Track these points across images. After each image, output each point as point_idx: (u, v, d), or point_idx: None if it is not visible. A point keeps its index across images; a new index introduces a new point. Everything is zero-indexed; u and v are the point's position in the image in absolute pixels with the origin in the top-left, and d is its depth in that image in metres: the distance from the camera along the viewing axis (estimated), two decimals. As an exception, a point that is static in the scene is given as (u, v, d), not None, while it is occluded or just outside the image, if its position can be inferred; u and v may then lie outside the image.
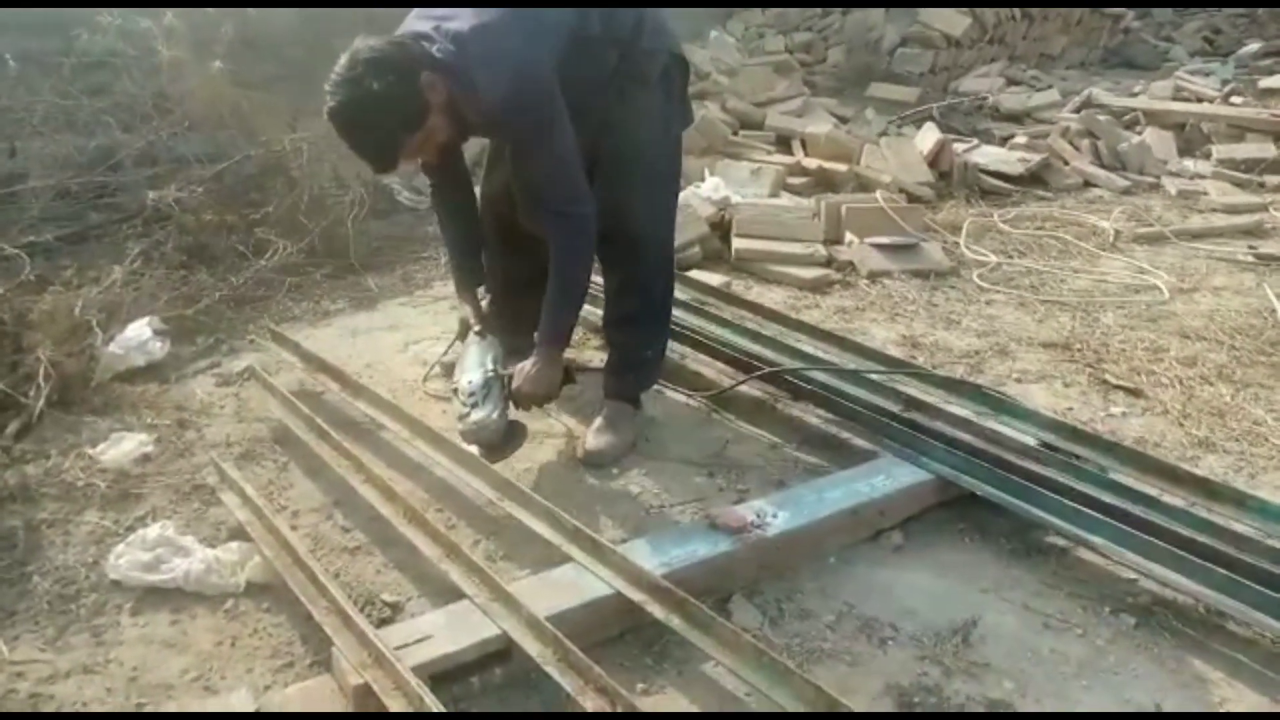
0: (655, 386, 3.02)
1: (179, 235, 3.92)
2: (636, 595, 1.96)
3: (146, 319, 3.27)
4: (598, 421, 2.73)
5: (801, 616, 2.10)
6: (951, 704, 1.85)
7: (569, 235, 2.43)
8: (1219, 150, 5.99)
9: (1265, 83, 7.20)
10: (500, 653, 1.89)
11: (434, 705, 1.65)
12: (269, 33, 5.14)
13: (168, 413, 2.93)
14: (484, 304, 2.78)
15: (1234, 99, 6.76)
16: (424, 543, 2.14)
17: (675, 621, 1.88)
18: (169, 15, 4.52)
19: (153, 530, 2.28)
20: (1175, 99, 6.84)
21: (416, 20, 2.34)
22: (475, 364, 2.56)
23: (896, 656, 1.99)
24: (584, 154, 2.42)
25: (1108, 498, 2.23)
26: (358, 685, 1.75)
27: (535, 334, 2.59)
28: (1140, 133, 6.22)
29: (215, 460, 2.53)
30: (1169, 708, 1.84)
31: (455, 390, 2.54)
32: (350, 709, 1.76)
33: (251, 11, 4.91)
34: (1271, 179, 5.68)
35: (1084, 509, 2.18)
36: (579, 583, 2.02)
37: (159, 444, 2.75)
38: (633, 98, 2.52)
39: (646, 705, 1.83)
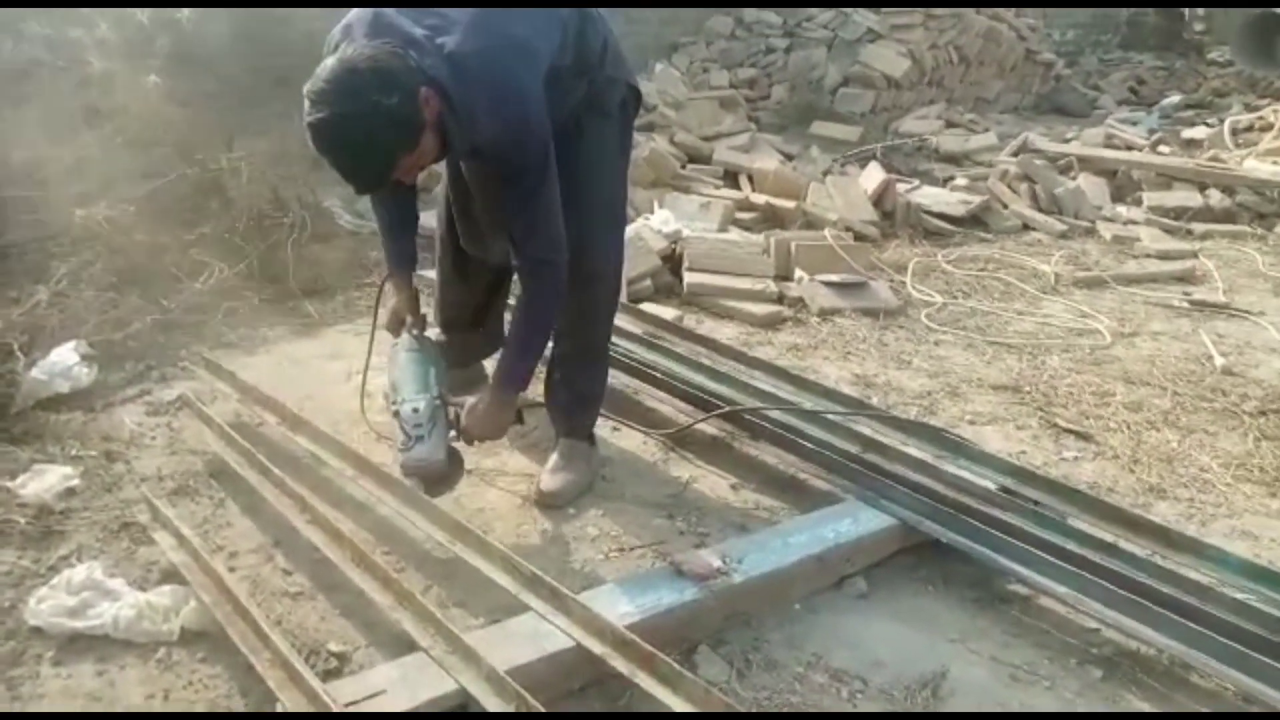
0: (611, 424, 2.96)
1: (108, 255, 3.73)
2: (599, 648, 1.87)
3: (73, 343, 3.09)
4: (553, 459, 2.65)
5: (769, 668, 2.04)
6: (925, 762, 1.80)
7: (546, 283, 2.33)
8: (1149, 197, 6.16)
9: (1188, 133, 7.47)
10: (457, 710, 1.79)
11: (389, 769, 1.54)
12: (206, 48, 4.97)
13: (94, 443, 2.76)
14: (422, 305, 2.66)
15: (1161, 148, 6.99)
16: (372, 588, 2.03)
17: (641, 677, 1.80)
18: (102, 26, 4.36)
19: (79, 572, 2.12)
20: (1106, 146, 7.04)
21: (400, 18, 2.11)
22: (418, 386, 2.41)
23: (867, 709, 1.94)
24: None
25: (1069, 545, 2.22)
26: (305, 746, 1.63)
27: (490, 364, 2.51)
28: (1074, 178, 6.38)
29: (147, 495, 2.38)
30: (1139, 763, 1.82)
31: (396, 413, 2.40)
32: (297, 772, 1.63)
33: (187, 24, 4.74)
34: (1198, 226, 5.86)
35: (1046, 556, 2.16)
36: (538, 632, 1.93)
37: (85, 477, 2.59)
38: (594, 129, 2.46)
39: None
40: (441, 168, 2.74)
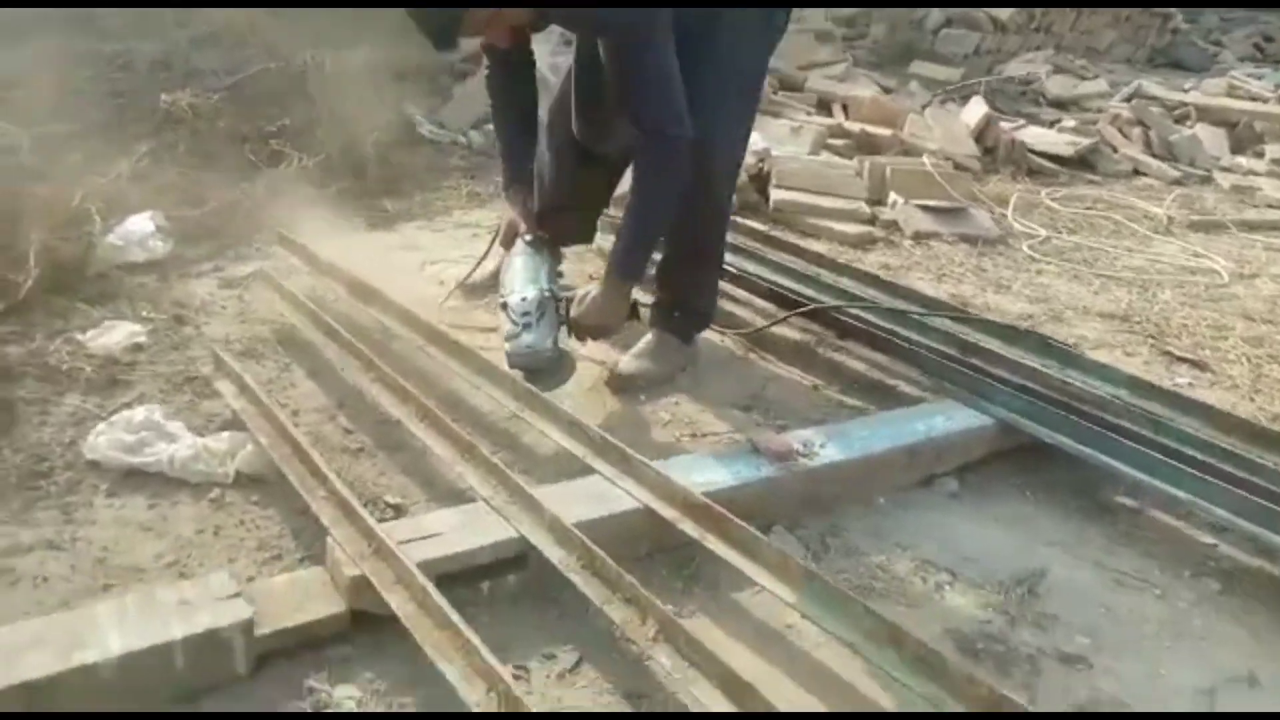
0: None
1: (190, 139, 3.71)
2: (668, 512, 1.75)
3: (149, 213, 3.06)
4: (638, 346, 2.50)
5: (848, 554, 1.89)
6: (1019, 654, 1.64)
7: (663, 160, 2.15)
8: (1273, 150, 5.76)
9: (1320, 90, 6.98)
10: (516, 558, 1.68)
11: (440, 603, 1.44)
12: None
13: (165, 307, 2.72)
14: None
15: (1291, 100, 6.54)
16: (436, 443, 1.94)
17: (711, 541, 1.68)
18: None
19: (139, 413, 2.07)
20: (1229, 97, 6.61)
21: None
22: (527, 279, 2.31)
23: (956, 602, 1.78)
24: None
25: (1190, 450, 2.01)
26: (354, 577, 1.54)
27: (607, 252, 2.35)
28: (1191, 128, 5.99)
29: (213, 348, 2.32)
30: (1265, 679, 1.63)
31: (504, 305, 2.29)
32: (343, 604, 1.55)
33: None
34: (1328, 181, 5.45)
35: (1165, 458, 1.97)
36: (606, 494, 1.81)
37: (153, 335, 2.55)
38: (734, 11, 2.25)
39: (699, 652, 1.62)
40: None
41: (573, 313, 2.29)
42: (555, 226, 2.55)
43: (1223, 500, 1.88)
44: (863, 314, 2.63)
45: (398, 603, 1.49)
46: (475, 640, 1.37)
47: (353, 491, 1.91)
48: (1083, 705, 1.55)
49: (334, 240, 3.35)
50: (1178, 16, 8.83)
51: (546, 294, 2.27)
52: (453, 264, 3.24)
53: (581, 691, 1.51)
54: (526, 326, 2.23)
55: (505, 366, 2.24)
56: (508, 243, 2.46)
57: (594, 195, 2.74)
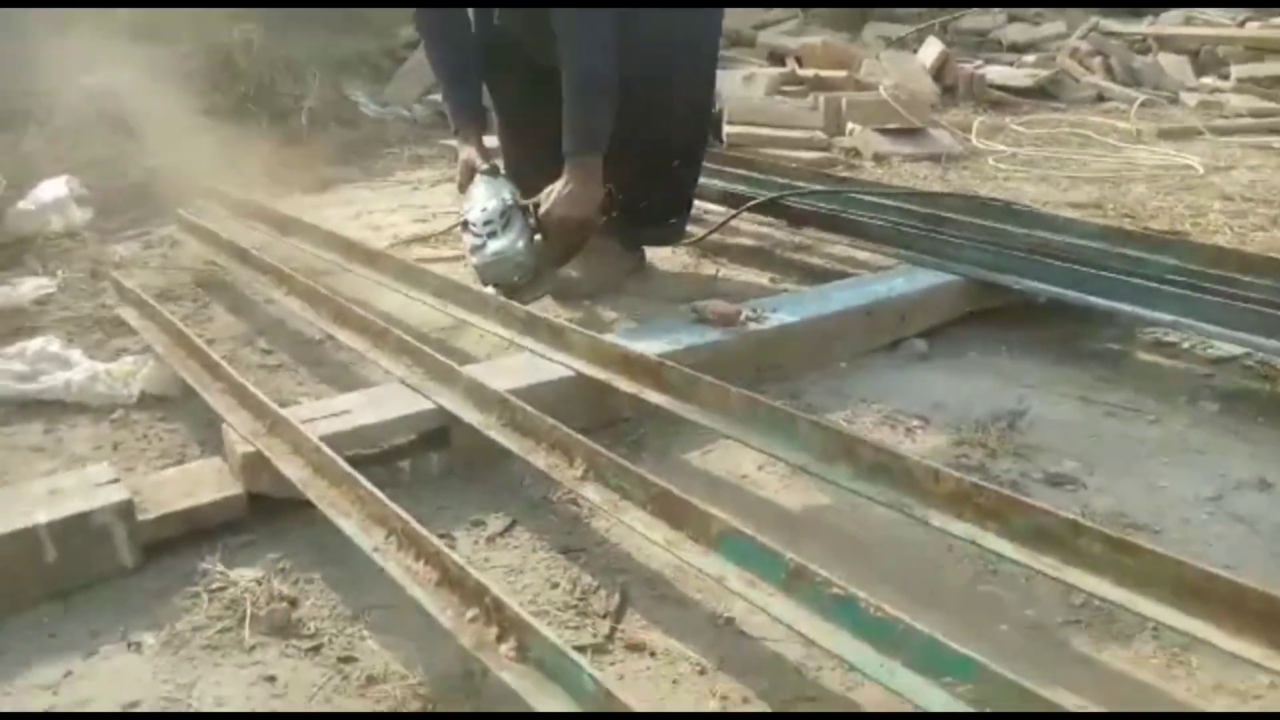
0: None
1: (114, 117, 3.56)
2: (602, 374, 1.59)
3: (64, 176, 2.91)
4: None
5: (809, 411, 1.71)
6: (1002, 481, 1.47)
7: (581, 23, 2.00)
8: (1239, 70, 5.64)
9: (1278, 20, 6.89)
10: (436, 434, 1.52)
11: (344, 468, 1.28)
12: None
13: (80, 265, 2.57)
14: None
15: (1249, 24, 6.43)
16: (351, 337, 1.78)
17: (649, 393, 1.51)
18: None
19: (35, 343, 1.92)
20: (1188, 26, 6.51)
21: None
22: (489, 194, 2.10)
23: (929, 442, 1.62)
24: None
25: (1172, 278, 1.86)
26: (247, 454, 1.38)
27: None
28: (1153, 58, 5.88)
29: (115, 277, 2.16)
30: (1276, 482, 1.47)
31: (464, 224, 2.10)
32: (238, 487, 1.38)
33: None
34: (1297, 93, 5.33)
35: (1150, 284, 1.81)
36: (533, 365, 1.65)
37: (65, 289, 2.40)
38: None
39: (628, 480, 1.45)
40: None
41: (543, 207, 2.09)
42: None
43: (1212, 315, 1.72)
44: (816, 202, 2.47)
45: (293, 471, 1.32)
46: (370, 488, 1.20)
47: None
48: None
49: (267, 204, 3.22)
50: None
51: (509, 202, 2.07)
52: (389, 212, 3.10)
53: (513, 552, 1.35)
54: (491, 235, 2.03)
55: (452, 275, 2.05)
56: (465, 183, 2.22)
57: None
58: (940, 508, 1.17)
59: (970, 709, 0.89)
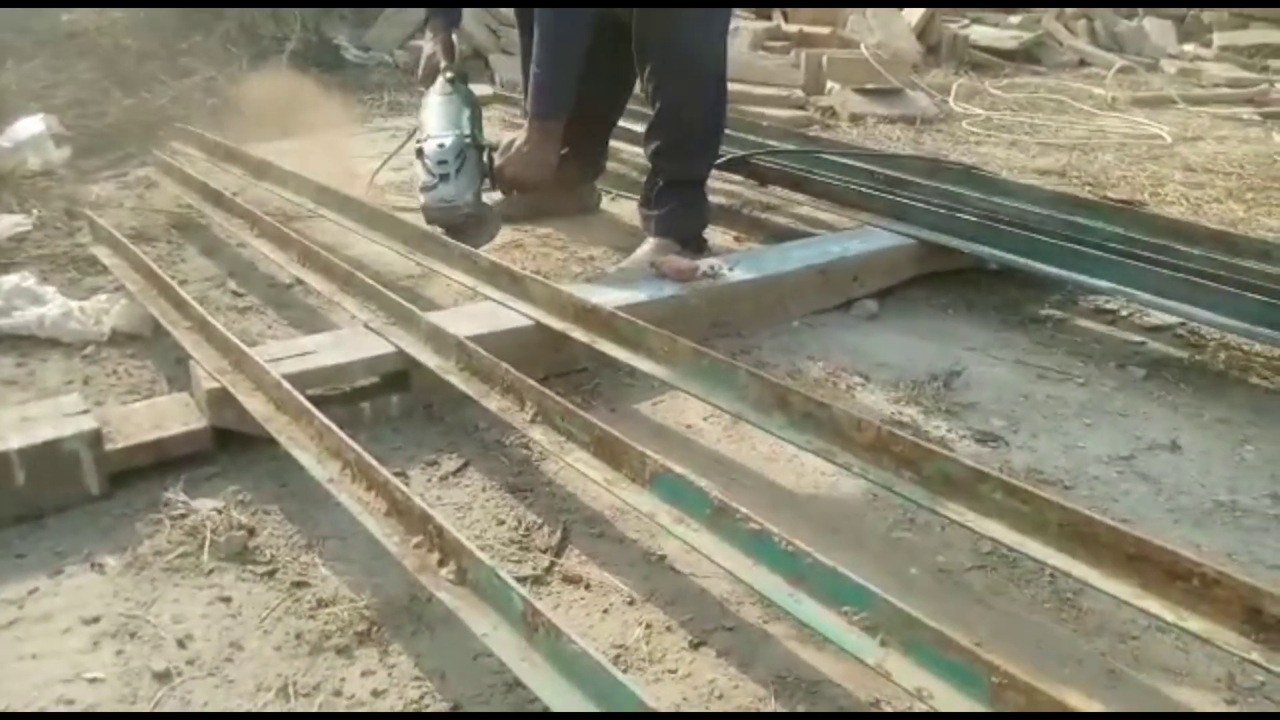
0: (606, 190, 2.72)
1: (93, 57, 3.56)
2: (559, 324, 1.66)
3: (40, 115, 2.93)
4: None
5: (757, 366, 1.79)
6: (931, 438, 1.56)
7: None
8: (1221, 37, 5.69)
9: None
10: (395, 376, 1.59)
11: (304, 404, 1.35)
12: None
13: (56, 204, 2.60)
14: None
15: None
16: (319, 281, 1.84)
17: (603, 343, 1.58)
18: None
19: (9, 279, 1.96)
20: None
21: None
22: (447, 121, 2.12)
23: (867, 400, 1.70)
24: None
25: (1116, 246, 1.94)
26: (212, 390, 1.44)
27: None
28: (1138, 21, 5.91)
29: (90, 216, 2.21)
30: (1185, 445, 1.56)
31: (419, 152, 2.10)
32: (203, 421, 1.45)
33: None
34: (1276, 63, 5.38)
35: (1089, 251, 1.89)
36: (494, 314, 1.72)
37: (40, 227, 2.43)
38: None
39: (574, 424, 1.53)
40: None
41: (498, 162, 2.15)
42: (575, 151, 2.36)
43: (1148, 284, 1.80)
44: (784, 161, 2.53)
45: (255, 406, 1.39)
46: (327, 423, 1.27)
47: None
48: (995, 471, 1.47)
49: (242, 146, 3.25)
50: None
51: (467, 140, 2.08)
52: (366, 159, 3.13)
53: (463, 490, 1.43)
54: (444, 178, 2.06)
55: (423, 223, 2.10)
56: (428, 80, 2.26)
57: (615, 91, 2.47)
58: (861, 455, 1.25)
59: (869, 638, 0.98)
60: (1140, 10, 6.10)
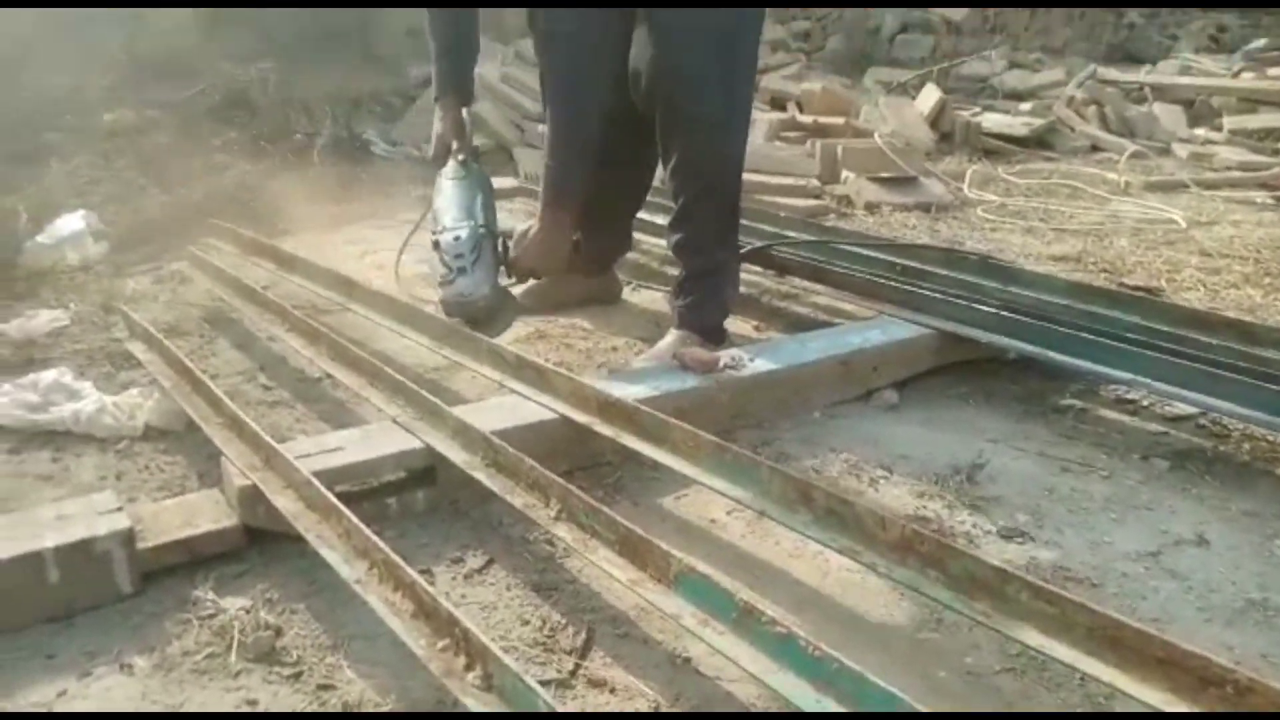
0: (625, 281, 2.77)
1: (132, 154, 3.69)
2: (583, 417, 1.67)
3: (81, 211, 3.02)
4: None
5: (779, 459, 1.81)
6: (956, 534, 1.55)
7: (555, 60, 2.08)
8: (1231, 121, 5.76)
9: (1275, 71, 7.00)
10: (423, 472, 1.60)
11: (333, 502, 1.36)
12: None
13: (93, 297, 2.67)
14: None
15: (1244, 75, 6.56)
16: (347, 376, 1.87)
17: (627, 437, 1.60)
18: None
19: (47, 375, 2.01)
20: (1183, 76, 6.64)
21: None
22: (461, 211, 2.15)
23: (890, 493, 1.70)
24: None
25: (1134, 336, 1.95)
26: (244, 488, 1.46)
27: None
28: (1148, 108, 6.00)
29: (125, 311, 2.26)
30: (1214, 540, 1.54)
31: (435, 244, 2.13)
32: (234, 518, 1.46)
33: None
34: (1287, 146, 5.43)
35: (1108, 342, 1.90)
36: (519, 408, 1.74)
37: (77, 322, 2.49)
38: None
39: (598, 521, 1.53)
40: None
41: (512, 252, 2.20)
42: (586, 234, 2.38)
43: (1167, 375, 1.80)
44: (802, 252, 2.57)
45: (285, 504, 1.41)
46: (355, 521, 1.29)
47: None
48: (1020, 570, 1.45)
49: (273, 241, 3.33)
50: (1132, 12, 8.92)
51: (481, 230, 2.12)
52: (395, 252, 3.19)
53: (488, 588, 1.43)
54: (461, 271, 2.09)
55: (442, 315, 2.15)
56: (440, 159, 2.30)
57: (634, 180, 2.53)
58: (886, 554, 1.25)
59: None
60: (1149, 96, 6.20)
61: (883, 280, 2.33)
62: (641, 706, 1.18)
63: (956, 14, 7.42)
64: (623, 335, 2.45)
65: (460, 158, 2.25)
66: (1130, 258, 3.26)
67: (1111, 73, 6.64)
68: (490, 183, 2.29)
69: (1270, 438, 1.85)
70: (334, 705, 1.17)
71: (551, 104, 2.10)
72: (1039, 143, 5.36)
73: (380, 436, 1.63)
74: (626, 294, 2.76)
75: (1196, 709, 0.97)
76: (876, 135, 4.46)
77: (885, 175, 4.00)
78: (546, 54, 2.11)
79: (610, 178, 2.35)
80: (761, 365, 1.95)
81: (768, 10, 2.27)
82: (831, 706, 1.01)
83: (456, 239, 2.10)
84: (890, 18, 7.57)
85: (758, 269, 2.70)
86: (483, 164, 2.34)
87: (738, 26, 2.12)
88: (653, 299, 2.73)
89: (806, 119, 5.05)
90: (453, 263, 2.10)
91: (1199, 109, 6.15)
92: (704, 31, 2.07)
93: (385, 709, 1.16)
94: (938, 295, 2.21)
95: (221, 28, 5.08)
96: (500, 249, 2.19)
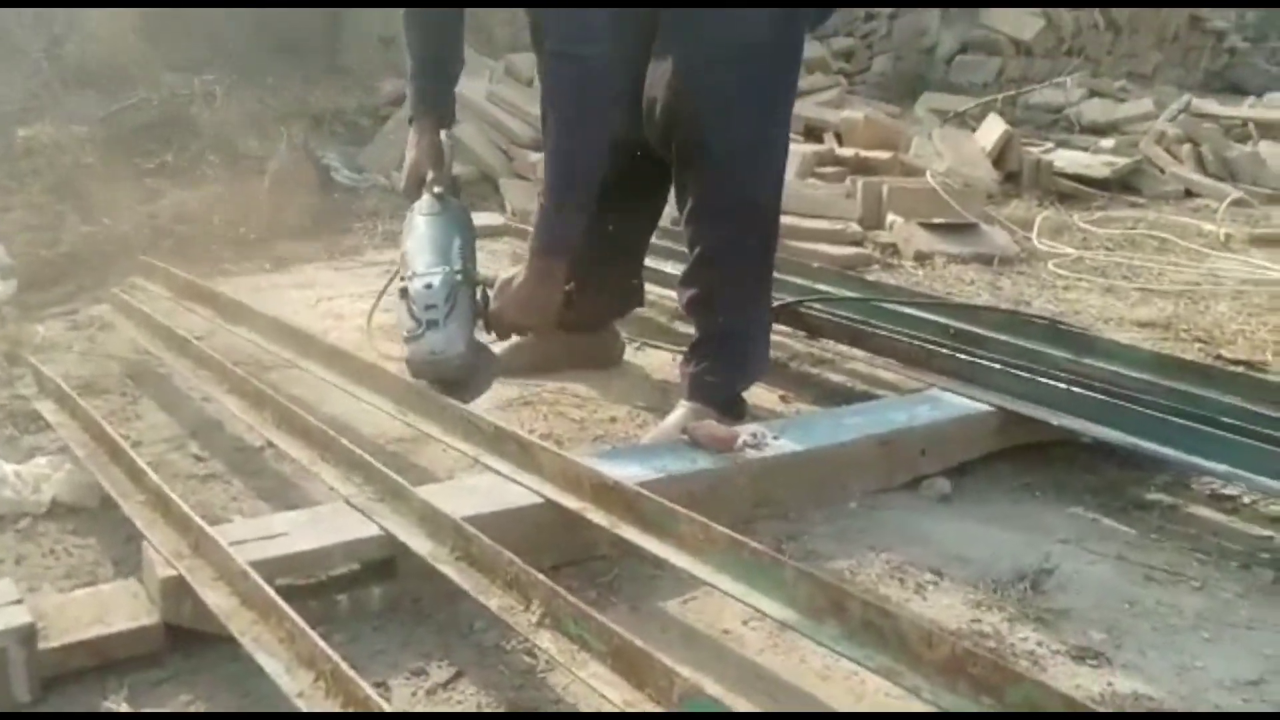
0: (630, 339, 2.80)
1: (49, 175, 3.76)
2: (573, 503, 1.69)
3: (-16, 246, 3.08)
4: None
5: (807, 558, 1.82)
6: (1017, 651, 1.56)
7: (565, 83, 2.09)
8: (1352, 165, 5.85)
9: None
10: (380, 564, 1.62)
11: (273, 599, 1.38)
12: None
13: (-5, 347, 2.71)
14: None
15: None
16: (294, 446, 1.89)
17: (625, 529, 1.61)
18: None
19: (-65, 441, 2.03)
20: (1294, 112, 6.76)
21: None
22: (434, 255, 2.16)
23: (941, 602, 1.71)
24: None
25: (1232, 420, 1.97)
26: (167, 579, 1.48)
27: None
28: (1253, 146, 6.10)
29: (34, 364, 2.30)
30: (1327, 666, 1.55)
31: (404, 291, 2.13)
32: (155, 615, 1.48)
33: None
34: None
35: (1199, 426, 1.91)
36: (498, 489, 1.76)
37: (-26, 377, 2.53)
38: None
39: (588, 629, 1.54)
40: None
41: (493, 304, 2.22)
42: (582, 287, 2.41)
43: (1271, 467, 1.82)
44: (837, 310, 2.61)
45: (216, 600, 1.42)
46: (301, 624, 1.30)
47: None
48: (1097, 701, 1.46)
49: (213, 283, 3.38)
50: (1232, 34, 9.11)
51: (457, 277, 2.13)
52: (355, 299, 3.25)
53: (455, 706, 1.43)
54: (431, 324, 2.09)
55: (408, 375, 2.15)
56: (412, 191, 2.32)
57: (642, 228, 2.62)
58: (933, 676, 1.26)
59: None
60: (1254, 134, 6.30)
61: (933, 346, 2.35)
62: None
63: (1026, 32, 7.58)
64: (623, 404, 2.48)
65: (436, 190, 2.28)
66: (1230, 325, 3.29)
67: (1210, 105, 6.76)
68: (470, 220, 2.32)
69: (1394, 545, 1.86)
70: (266, 845, 1.18)
71: (553, 135, 2.13)
72: (1123, 186, 5.45)
73: (331, 520, 1.65)
74: (630, 354, 2.80)
75: None
76: (929, 174, 4.53)
77: (939, 221, 4.06)
78: (552, 76, 2.14)
79: (615, 224, 2.40)
80: (788, 444, 1.97)
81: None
82: None
83: (428, 287, 2.11)
84: (948, 36, 7.73)
85: (785, 328, 2.73)
86: (463, 197, 2.38)
87: (775, 43, 2.18)
88: (661, 361, 2.77)
89: (847, 152, 5.14)
90: (422, 315, 2.10)
91: (1313, 150, 6.25)
92: (735, 47, 2.12)
93: None
94: (998, 366, 2.23)
95: (165, 31, 5.20)
96: (479, 299, 2.21)
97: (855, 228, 4.04)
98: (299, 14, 6.19)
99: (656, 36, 2.19)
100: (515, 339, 2.47)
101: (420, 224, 2.25)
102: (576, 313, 2.45)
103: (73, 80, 4.45)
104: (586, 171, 2.13)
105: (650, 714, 1.19)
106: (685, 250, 2.29)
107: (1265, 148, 6.08)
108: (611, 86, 2.10)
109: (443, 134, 2.35)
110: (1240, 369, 2.71)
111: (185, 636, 1.48)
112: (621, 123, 2.20)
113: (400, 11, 2.38)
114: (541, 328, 2.33)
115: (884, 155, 5.02)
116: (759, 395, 2.52)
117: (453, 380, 2.13)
